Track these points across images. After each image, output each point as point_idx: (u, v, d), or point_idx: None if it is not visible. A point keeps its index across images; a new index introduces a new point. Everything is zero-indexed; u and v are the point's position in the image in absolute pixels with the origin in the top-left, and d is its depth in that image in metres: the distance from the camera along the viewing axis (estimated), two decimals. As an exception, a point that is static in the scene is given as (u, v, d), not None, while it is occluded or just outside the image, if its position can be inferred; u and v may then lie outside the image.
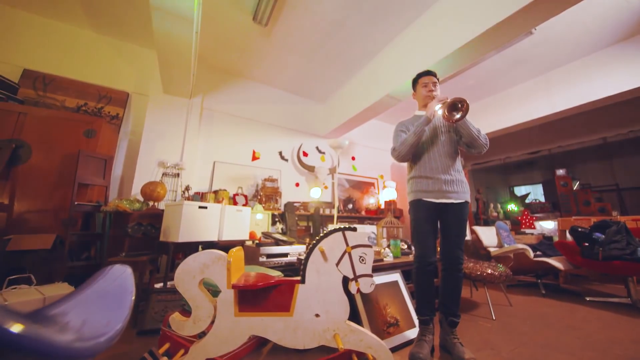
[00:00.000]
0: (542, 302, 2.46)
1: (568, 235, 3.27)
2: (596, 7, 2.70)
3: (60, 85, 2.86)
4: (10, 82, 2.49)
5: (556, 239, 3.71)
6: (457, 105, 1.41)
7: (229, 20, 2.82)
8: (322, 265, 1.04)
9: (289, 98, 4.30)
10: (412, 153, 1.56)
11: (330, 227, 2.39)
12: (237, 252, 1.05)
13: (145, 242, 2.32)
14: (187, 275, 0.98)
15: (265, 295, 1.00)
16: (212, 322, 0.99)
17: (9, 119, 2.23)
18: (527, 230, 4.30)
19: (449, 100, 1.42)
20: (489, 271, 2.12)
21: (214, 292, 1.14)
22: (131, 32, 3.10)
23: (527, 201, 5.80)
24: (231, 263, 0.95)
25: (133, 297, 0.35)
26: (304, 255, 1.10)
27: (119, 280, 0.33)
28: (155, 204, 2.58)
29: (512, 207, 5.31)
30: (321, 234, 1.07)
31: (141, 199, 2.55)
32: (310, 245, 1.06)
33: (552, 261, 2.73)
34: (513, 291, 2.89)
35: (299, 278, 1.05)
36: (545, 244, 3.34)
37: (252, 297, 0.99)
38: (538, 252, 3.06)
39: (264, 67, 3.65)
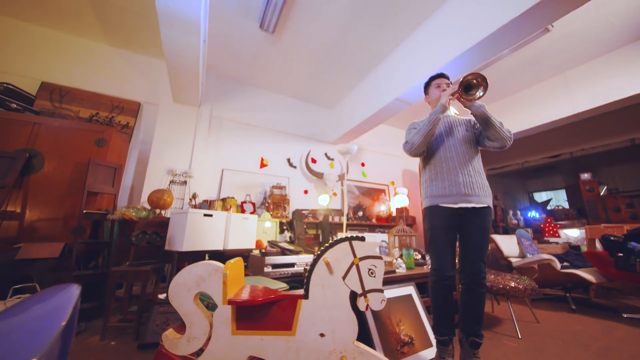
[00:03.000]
0: (573, 319, 2.24)
1: (597, 244, 3.02)
2: (619, 1, 2.54)
3: (75, 97, 2.95)
4: (27, 94, 2.58)
5: (584, 248, 3.45)
6: (471, 83, 1.31)
7: (235, 29, 2.84)
8: (327, 278, 0.95)
9: (297, 105, 4.29)
10: (426, 145, 1.44)
11: (340, 235, 2.29)
12: (235, 264, 0.98)
13: (152, 251, 2.29)
14: (182, 289, 0.91)
15: (265, 312, 0.91)
16: (210, 338, 0.91)
17: (24, 130, 2.29)
18: (552, 239, 4.02)
19: (461, 80, 1.33)
20: (512, 284, 1.95)
21: (214, 305, 1.07)
22: (143, 44, 3.18)
23: (548, 207, 5.48)
24: (227, 276, 0.88)
25: (64, 323, 0.27)
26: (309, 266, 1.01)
27: (57, 305, 0.27)
28: (162, 212, 2.57)
29: (533, 213, 5.01)
30: (326, 244, 0.98)
31: (148, 207, 2.55)
32: (315, 257, 0.98)
33: (582, 273, 2.50)
34: (539, 306, 2.67)
35: (302, 292, 0.96)
36: (572, 254, 3.08)
37: (250, 314, 0.91)
38: (565, 263, 2.82)
39: (272, 74, 3.65)
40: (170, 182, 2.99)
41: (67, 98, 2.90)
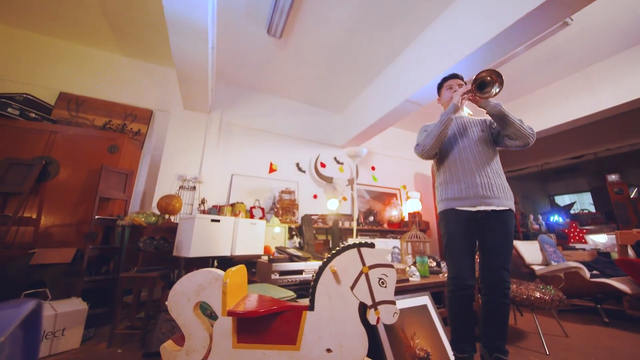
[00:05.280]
0: (606, 333, 2.05)
1: (630, 251, 2.79)
2: (646, -10, 2.39)
3: (91, 106, 3.04)
4: (46, 104, 2.68)
5: (614, 255, 3.20)
6: (485, 80, 1.23)
7: (243, 34, 2.86)
8: (334, 288, 0.88)
9: (305, 109, 4.27)
10: (439, 147, 1.37)
11: (350, 240, 2.21)
12: (237, 272, 0.93)
13: (161, 257, 2.29)
14: (182, 298, 0.87)
15: (267, 324, 0.85)
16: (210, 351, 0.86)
17: (41, 138, 2.36)
18: (578, 245, 3.77)
19: (474, 78, 1.26)
20: (537, 294, 1.80)
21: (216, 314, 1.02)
22: (155, 53, 3.26)
23: (572, 211, 5.18)
24: (227, 285, 0.83)
25: (2, 339, 0.23)
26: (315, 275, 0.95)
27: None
28: (172, 217, 2.57)
29: (555, 218, 4.74)
30: (333, 252, 0.92)
31: (158, 212, 2.56)
32: (321, 264, 0.91)
33: (615, 282, 2.31)
34: (567, 318, 2.47)
35: (308, 303, 0.89)
36: (602, 261, 2.86)
37: (253, 326, 0.85)
38: (594, 272, 2.62)
39: (280, 79, 3.66)
40: (179, 188, 3.01)
41: (83, 107, 2.99)
